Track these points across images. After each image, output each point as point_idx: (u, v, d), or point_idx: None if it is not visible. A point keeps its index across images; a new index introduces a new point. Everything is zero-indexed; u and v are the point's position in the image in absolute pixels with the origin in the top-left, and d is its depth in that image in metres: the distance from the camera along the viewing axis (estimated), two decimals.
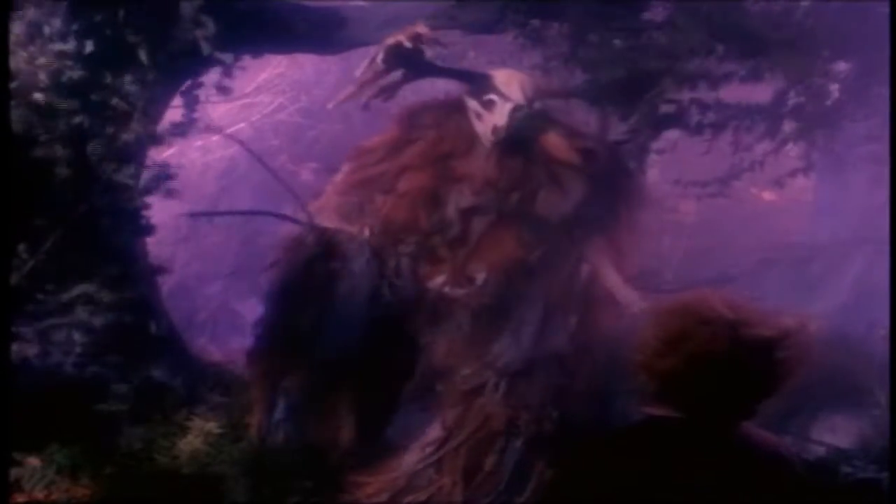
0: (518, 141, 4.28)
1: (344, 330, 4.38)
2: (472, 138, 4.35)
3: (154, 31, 4.62)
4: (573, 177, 4.33)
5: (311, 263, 4.42)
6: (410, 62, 4.27)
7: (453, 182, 4.37)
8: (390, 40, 4.22)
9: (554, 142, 4.33)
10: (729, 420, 2.10)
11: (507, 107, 4.20)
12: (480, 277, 4.30)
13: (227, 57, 4.90)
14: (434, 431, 4.25)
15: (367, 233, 4.39)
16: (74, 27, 4.51)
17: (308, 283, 4.42)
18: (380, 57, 4.22)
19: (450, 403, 4.26)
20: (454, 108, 4.41)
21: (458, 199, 4.34)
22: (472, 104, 4.28)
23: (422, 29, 4.23)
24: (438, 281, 4.33)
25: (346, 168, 4.60)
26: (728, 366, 2.04)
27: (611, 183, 4.42)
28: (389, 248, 4.37)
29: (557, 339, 4.24)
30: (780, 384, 2.09)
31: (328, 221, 4.48)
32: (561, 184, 4.33)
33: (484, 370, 4.23)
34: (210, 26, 4.62)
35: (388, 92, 4.37)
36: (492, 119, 4.22)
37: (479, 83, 4.30)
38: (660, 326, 2.12)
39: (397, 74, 4.33)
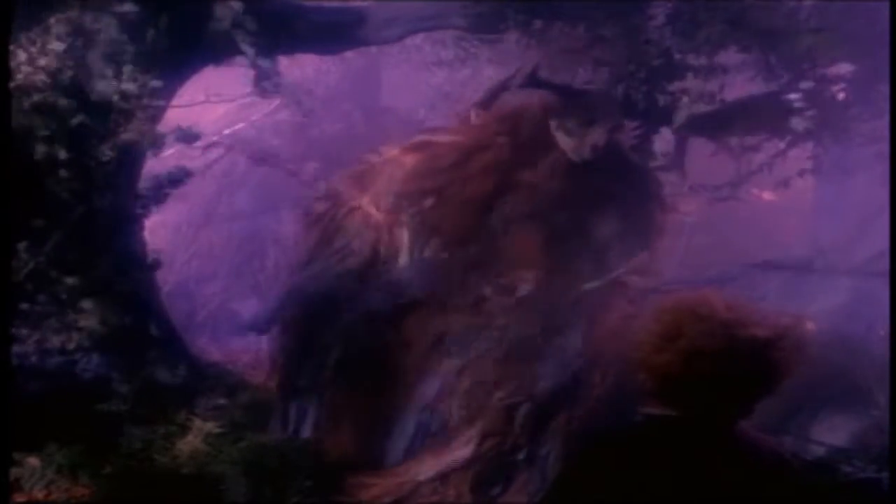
0: (602, 160, 4.31)
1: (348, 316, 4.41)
2: (545, 149, 4.35)
3: (184, 33, 4.63)
4: (621, 201, 4.36)
5: (325, 236, 4.44)
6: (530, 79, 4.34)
7: (510, 191, 4.37)
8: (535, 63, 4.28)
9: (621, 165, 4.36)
10: (725, 418, 2.11)
11: (607, 126, 4.25)
12: (524, 289, 4.29)
13: (266, 62, 4.93)
14: (450, 446, 4.23)
15: (406, 226, 4.39)
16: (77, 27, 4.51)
17: (323, 258, 4.46)
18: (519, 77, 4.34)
19: (474, 421, 4.24)
20: (533, 117, 4.43)
21: (508, 210, 4.35)
22: (568, 119, 4.29)
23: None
24: (477, 286, 4.33)
25: (407, 164, 4.56)
26: (722, 363, 2.04)
27: (648, 210, 4.45)
28: (419, 244, 4.38)
29: (579, 362, 4.25)
30: (775, 384, 2.09)
31: (371, 201, 4.50)
32: (613, 206, 4.35)
33: (520, 393, 4.23)
34: (250, 26, 4.63)
35: (493, 97, 4.44)
36: (590, 137, 4.24)
37: (578, 99, 4.34)
38: (657, 323, 2.13)
39: (503, 82, 4.39)
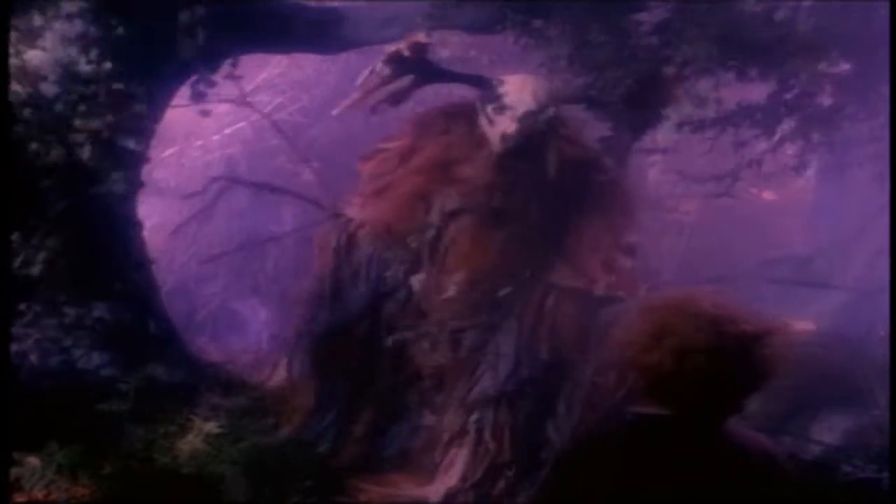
0: (526, 147, 4.24)
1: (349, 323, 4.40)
2: (478, 143, 4.32)
3: (149, 34, 4.62)
4: (566, 188, 4.31)
5: (338, 254, 4.44)
6: (418, 68, 4.29)
7: (448, 185, 4.36)
8: (390, 48, 4.25)
9: (559, 150, 4.31)
10: (714, 415, 2.11)
11: (518, 112, 4.18)
12: (452, 290, 4.29)
13: (207, 66, 4.91)
14: (439, 469, 4.21)
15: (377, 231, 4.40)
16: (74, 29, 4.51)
17: (339, 275, 4.45)
18: (378, 66, 4.27)
19: (459, 435, 4.22)
20: (465, 112, 4.40)
21: (445, 202, 4.34)
22: (484, 109, 4.27)
23: (421, 37, 4.25)
24: (417, 285, 4.34)
25: (364, 172, 4.58)
26: (711, 361, 2.05)
27: (602, 196, 4.40)
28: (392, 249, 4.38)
29: (532, 369, 4.22)
30: (763, 381, 2.11)
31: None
32: (552, 193, 4.30)
33: (463, 411, 4.21)
34: (199, 36, 4.61)
35: (399, 97, 4.41)
36: (502, 124, 4.20)
37: (490, 88, 4.29)
38: (646, 322, 2.14)
39: (406, 80, 4.36)
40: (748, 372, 2.08)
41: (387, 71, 4.29)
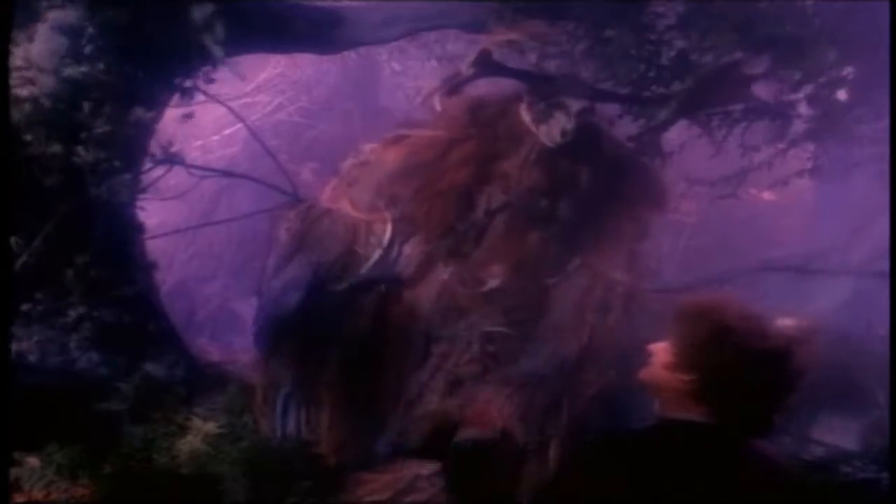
0: (577, 143, 4.27)
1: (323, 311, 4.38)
2: (519, 139, 4.34)
3: (160, 35, 4.61)
4: (607, 191, 4.33)
5: (297, 240, 4.42)
6: (483, 63, 4.36)
7: (489, 182, 4.36)
8: (484, 46, 4.27)
9: (612, 144, 4.35)
10: (755, 421, 2.11)
11: (574, 109, 4.22)
12: (493, 282, 4.29)
13: (226, 61, 4.89)
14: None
15: (389, 221, 4.38)
16: (70, 25, 4.51)
17: (295, 261, 4.42)
18: (470, 61, 4.37)
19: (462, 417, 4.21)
20: (506, 106, 4.41)
21: (489, 200, 4.34)
22: (536, 106, 4.29)
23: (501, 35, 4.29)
24: (445, 278, 4.32)
25: (387, 160, 4.53)
26: (762, 368, 2.06)
27: (638, 188, 4.43)
28: (399, 239, 4.37)
29: (569, 350, 4.22)
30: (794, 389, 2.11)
31: (350, 201, 4.49)
32: (596, 196, 4.32)
33: (499, 385, 4.19)
34: (219, 31, 4.60)
35: (454, 89, 4.45)
36: (559, 121, 4.22)
37: (543, 85, 4.31)
38: (699, 325, 2.11)
39: (468, 73, 4.43)
40: (790, 381, 2.09)
41: (472, 68, 4.39)
